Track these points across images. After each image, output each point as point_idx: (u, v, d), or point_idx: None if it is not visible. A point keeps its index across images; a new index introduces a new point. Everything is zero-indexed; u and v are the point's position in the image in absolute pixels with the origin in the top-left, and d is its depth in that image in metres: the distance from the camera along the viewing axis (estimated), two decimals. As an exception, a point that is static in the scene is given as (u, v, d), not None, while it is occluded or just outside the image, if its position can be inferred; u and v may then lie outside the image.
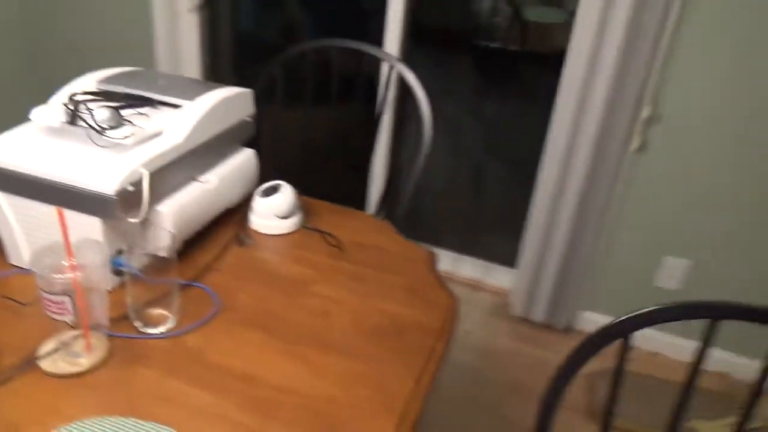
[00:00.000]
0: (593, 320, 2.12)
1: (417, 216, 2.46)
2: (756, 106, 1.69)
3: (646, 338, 2.06)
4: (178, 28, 2.30)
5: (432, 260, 1.16)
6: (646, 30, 1.65)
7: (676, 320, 0.79)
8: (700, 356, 0.82)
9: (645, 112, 1.78)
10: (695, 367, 0.83)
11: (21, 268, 0.99)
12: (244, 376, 0.84)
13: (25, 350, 0.83)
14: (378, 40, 2.12)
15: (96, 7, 2.39)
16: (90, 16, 2.42)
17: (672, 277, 1.98)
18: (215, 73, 2.52)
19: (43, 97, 1.10)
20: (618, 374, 0.85)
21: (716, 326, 0.80)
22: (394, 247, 1.18)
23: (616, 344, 0.84)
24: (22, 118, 1.01)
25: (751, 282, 1.90)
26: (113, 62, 2.46)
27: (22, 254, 0.98)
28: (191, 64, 2.38)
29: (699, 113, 1.75)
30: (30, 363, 0.81)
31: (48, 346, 0.83)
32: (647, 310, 0.78)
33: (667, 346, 2.05)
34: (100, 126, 0.94)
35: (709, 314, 0.79)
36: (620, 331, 0.80)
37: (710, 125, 1.75)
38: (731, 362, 2.00)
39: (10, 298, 0.92)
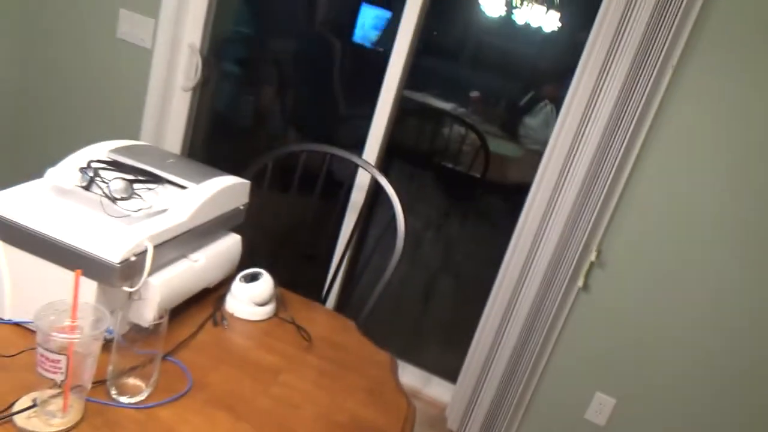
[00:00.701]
0: (523, 445, 2.18)
1: (368, 316, 2.52)
2: (688, 257, 1.90)
3: None
4: (170, 104, 2.39)
5: (393, 365, 1.23)
6: (599, 187, 1.85)
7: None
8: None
9: (591, 256, 1.95)
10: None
11: (1, 318, 1.00)
12: (213, 457, 0.86)
13: (1, 403, 0.84)
14: (345, 143, 2.27)
15: (95, 73, 2.47)
16: (88, 82, 2.49)
17: (599, 412, 2.09)
18: (191, 151, 2.60)
19: (32, 153, 1.15)
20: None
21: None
22: (358, 347, 1.25)
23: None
24: (13, 173, 1.05)
25: (673, 424, 2.03)
26: (101, 124, 2.52)
27: (5, 305, 0.99)
28: (174, 138, 2.46)
29: (637, 262, 1.94)
30: (4, 417, 0.82)
31: (24, 402, 0.84)
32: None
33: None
34: (113, 196, 1.00)
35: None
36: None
37: (647, 274, 1.94)
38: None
39: (-11, 348, 0.93)
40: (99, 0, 2.36)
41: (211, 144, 2.73)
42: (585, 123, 1.82)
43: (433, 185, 2.67)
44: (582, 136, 1.83)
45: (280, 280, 1.33)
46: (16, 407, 0.83)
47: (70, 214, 0.99)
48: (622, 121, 1.78)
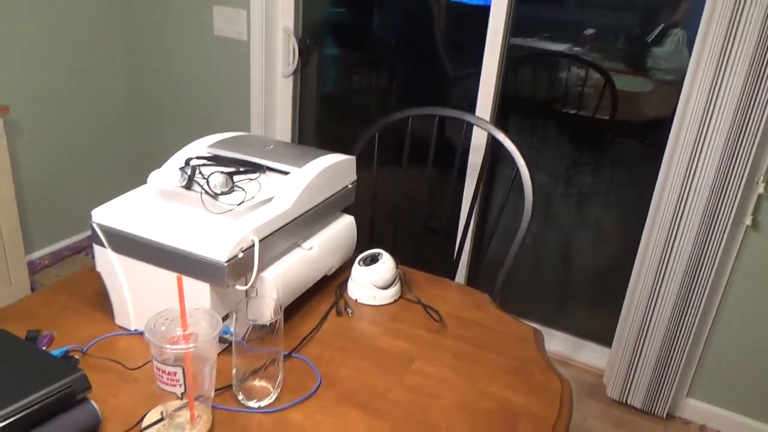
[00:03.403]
0: (699, 408, 1.94)
1: (504, 286, 2.38)
2: None
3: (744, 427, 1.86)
4: (273, 92, 2.38)
5: (539, 339, 1.09)
6: (762, 96, 1.56)
7: None
8: None
9: (758, 188, 1.66)
10: None
11: (127, 330, 0.99)
12: (349, 461, 0.79)
13: (130, 417, 0.81)
14: (457, 107, 2.12)
15: (201, 73, 2.52)
16: (193, 82, 2.55)
17: (789, 365, 1.80)
18: (301, 135, 2.58)
19: (145, 158, 1.13)
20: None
21: None
22: (496, 323, 1.12)
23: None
24: (128, 178, 1.04)
25: None
26: (211, 125, 2.57)
27: (130, 316, 0.98)
28: (283, 126, 2.45)
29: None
30: (135, 432, 0.79)
31: (153, 415, 0.81)
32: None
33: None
34: (213, 191, 0.95)
35: None
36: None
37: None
38: None
39: (117, 362, 0.92)
40: (193, 1, 2.38)
41: (322, 128, 2.70)
42: (731, 37, 1.53)
43: (557, 136, 2.44)
44: (729, 53, 1.54)
45: (402, 259, 1.23)
46: (146, 422, 0.80)
47: (173, 216, 0.95)
48: (782, 22, 1.48)
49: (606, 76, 2.36)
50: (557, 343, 2.24)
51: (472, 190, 2.01)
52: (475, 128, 2.05)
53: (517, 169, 1.45)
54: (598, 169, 2.25)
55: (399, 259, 1.19)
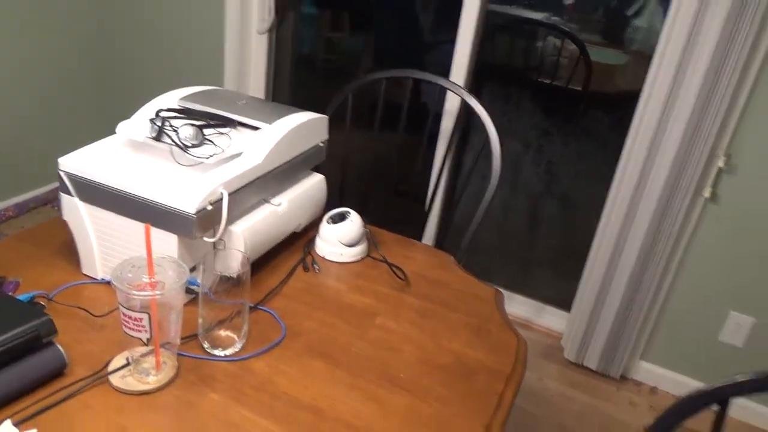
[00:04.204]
0: (651, 371, 2.03)
1: (469, 250, 2.43)
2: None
3: (740, 408, 1.94)
4: (247, 49, 2.34)
5: (498, 299, 1.13)
6: (725, 75, 1.60)
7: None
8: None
9: (719, 162, 1.72)
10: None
11: (94, 279, 1.00)
12: (311, 408, 0.82)
13: (96, 362, 0.83)
14: (435, 72, 2.12)
15: (173, 25, 2.46)
16: (164, 33, 2.50)
17: (737, 333, 1.89)
18: (276, 94, 2.56)
19: (114, 108, 1.13)
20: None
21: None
22: (459, 283, 1.15)
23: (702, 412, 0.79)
24: (95, 129, 1.03)
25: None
26: (182, 77, 2.53)
27: (96, 265, 0.99)
28: (257, 83, 2.42)
29: (777, 165, 1.68)
30: (100, 377, 0.81)
31: (118, 361, 0.82)
32: (753, 377, 0.73)
33: (763, 417, 1.94)
34: (184, 144, 0.95)
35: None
36: (720, 396, 0.75)
37: (788, 178, 1.68)
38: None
39: (83, 309, 0.93)
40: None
41: (297, 88, 2.67)
42: (701, 12, 1.56)
43: (531, 104, 2.47)
44: (700, 26, 1.57)
45: (371, 220, 1.25)
46: (111, 367, 0.82)
47: (142, 167, 0.95)
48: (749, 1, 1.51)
49: (581, 47, 2.38)
50: (519, 306, 2.31)
51: (444, 155, 2.03)
52: (448, 94, 2.06)
53: (487, 135, 1.48)
54: (568, 138, 2.29)
55: (368, 219, 1.21)
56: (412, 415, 0.83)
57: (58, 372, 0.80)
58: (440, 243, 2.30)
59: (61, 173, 0.94)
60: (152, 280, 0.77)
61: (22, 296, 0.91)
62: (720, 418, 0.77)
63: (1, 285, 0.95)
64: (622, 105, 2.08)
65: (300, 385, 0.85)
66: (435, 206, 2.23)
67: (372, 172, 1.68)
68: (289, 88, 2.65)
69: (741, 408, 1.92)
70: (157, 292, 0.76)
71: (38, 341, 0.77)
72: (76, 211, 0.96)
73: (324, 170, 1.25)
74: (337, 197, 1.36)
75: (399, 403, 0.85)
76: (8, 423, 0.69)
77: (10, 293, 0.93)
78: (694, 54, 1.60)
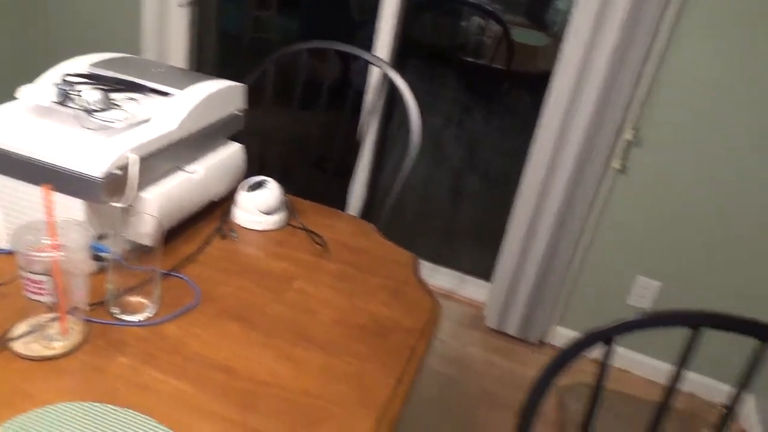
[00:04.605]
0: (566, 336, 2.14)
1: (394, 224, 2.47)
2: (732, 134, 1.74)
3: (617, 356, 2.09)
4: (167, 22, 2.28)
5: (415, 263, 1.17)
6: (632, 54, 1.69)
7: (654, 327, 0.80)
8: (680, 367, 0.84)
9: (627, 135, 1.81)
10: (677, 374, 0.85)
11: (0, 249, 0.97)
12: (224, 368, 0.83)
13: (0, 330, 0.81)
14: (364, 45, 2.13)
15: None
16: (79, 3, 2.39)
17: (643, 297, 2.02)
18: (199, 70, 2.50)
19: (28, 78, 1.08)
20: (601, 377, 0.86)
21: (697, 336, 0.82)
22: (378, 249, 1.18)
23: (586, 362, 0.85)
24: (7, 99, 0.99)
25: (724, 303, 1.95)
26: (99, 50, 2.43)
27: (2, 235, 0.95)
28: (177, 59, 2.36)
29: (679, 139, 1.80)
30: (2, 343, 0.79)
31: (22, 327, 0.80)
32: (625, 320, 0.80)
33: (638, 364, 2.08)
34: (89, 108, 0.93)
35: (686, 322, 0.81)
36: (603, 336, 0.81)
37: (688, 151, 1.80)
38: (697, 383, 2.04)
39: (-16, 278, 0.90)
40: None
41: (223, 66, 2.62)
42: (611, -14, 1.63)
43: (454, 81, 2.52)
44: (605, 10, 1.65)
45: (294, 193, 1.25)
46: (13, 333, 0.80)
47: (47, 131, 0.92)
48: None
49: (505, 28, 2.44)
50: (443, 278, 2.37)
51: (368, 131, 2.05)
52: (373, 69, 2.07)
53: (406, 107, 1.50)
54: (490, 115, 2.35)
55: (290, 193, 1.21)
56: (327, 371, 0.85)
57: (-45, 340, 0.77)
58: (364, 216, 2.33)
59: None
60: (54, 242, 0.75)
61: None
62: (607, 355, 0.83)
63: None
64: (543, 84, 2.16)
65: (213, 347, 0.86)
66: (358, 181, 2.26)
67: (295, 147, 1.68)
68: (214, 66, 2.59)
69: (620, 357, 2.07)
70: (56, 253, 0.75)
71: (-68, 308, 0.74)
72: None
73: (246, 143, 1.25)
74: (257, 171, 1.36)
75: (314, 361, 0.87)
76: None
77: None
78: (603, 31, 1.68)
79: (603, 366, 0.85)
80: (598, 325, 0.81)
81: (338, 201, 1.71)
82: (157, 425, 0.72)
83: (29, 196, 0.90)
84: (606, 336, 0.80)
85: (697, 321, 0.80)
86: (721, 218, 1.84)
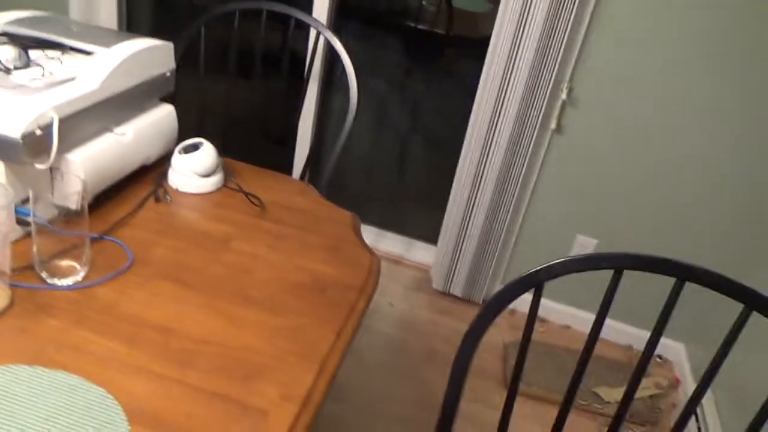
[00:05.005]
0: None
1: (340, 190, 2.47)
2: (662, 92, 1.80)
3: (558, 312, 2.16)
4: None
5: (355, 222, 1.17)
6: (564, 18, 1.72)
7: (582, 270, 0.83)
8: (604, 308, 0.87)
9: (562, 95, 1.85)
10: (599, 321, 0.88)
11: None
12: (160, 328, 0.82)
13: None
14: (305, 11, 2.10)
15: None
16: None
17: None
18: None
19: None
20: (530, 324, 0.89)
21: (619, 277, 0.85)
22: (317, 209, 1.18)
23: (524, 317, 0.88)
24: None
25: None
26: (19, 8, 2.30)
27: None
28: (107, 19, 2.26)
29: (610, 97, 1.85)
30: None
31: (-58, 294, 0.77)
32: (556, 261, 0.82)
33: (578, 320, 2.16)
34: (5, 66, 0.89)
35: (611, 264, 0.84)
36: (533, 282, 0.83)
37: (619, 108, 1.85)
38: (634, 335, 2.14)
39: None
40: None
41: (158, 30, 2.53)
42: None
43: (395, 46, 2.51)
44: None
45: (235, 158, 1.23)
46: (-67, 300, 0.77)
47: (-42, 91, 0.87)
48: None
49: (444, -8, 2.43)
50: (391, 243, 2.39)
51: (309, 96, 2.03)
52: (312, 33, 2.04)
53: (344, 68, 1.49)
54: (431, 79, 2.36)
55: (222, 152, 1.19)
56: (267, 328, 0.85)
57: None
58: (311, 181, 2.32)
59: None
60: (-29, 202, 0.72)
61: None
62: (536, 299, 0.86)
63: None
64: (483, 49, 2.18)
65: (149, 308, 0.85)
66: (300, 149, 2.24)
67: (235, 116, 1.65)
68: (147, 32, 2.50)
69: (557, 312, 2.15)
70: (-22, 215, 0.72)
71: None
72: None
73: (181, 112, 1.21)
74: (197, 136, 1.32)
75: (254, 318, 0.87)
76: None
77: None
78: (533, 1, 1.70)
79: (532, 311, 0.88)
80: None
81: (281, 170, 1.69)
82: (90, 385, 0.70)
83: (-56, 159, 0.86)
84: (535, 281, 0.83)
85: (617, 262, 0.84)
86: (655, 175, 1.91)
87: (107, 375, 0.73)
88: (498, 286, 2.20)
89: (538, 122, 1.87)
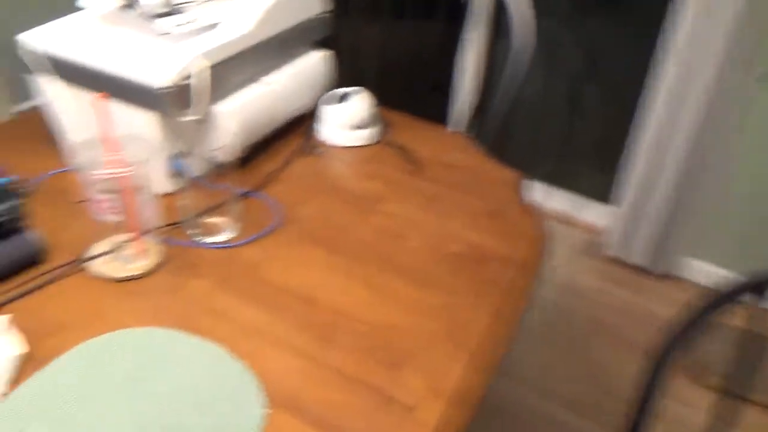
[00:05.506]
0: (700, 269, 1.90)
1: (504, 142, 2.28)
2: None
3: None
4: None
5: (520, 183, 1.02)
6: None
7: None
8: None
9: (787, 29, 1.50)
10: None
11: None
12: (302, 296, 0.75)
13: (76, 250, 0.78)
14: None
15: None
16: None
17: (797, 224, 1.73)
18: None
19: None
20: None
21: None
22: (478, 167, 1.05)
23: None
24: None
25: None
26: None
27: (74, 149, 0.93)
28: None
29: None
30: (79, 264, 0.76)
31: (99, 247, 0.77)
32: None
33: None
34: (152, 13, 0.85)
35: None
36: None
37: None
38: None
39: (64, 196, 0.88)
40: None
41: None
42: None
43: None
44: None
45: (390, 106, 1.13)
46: (91, 253, 0.77)
47: (112, 41, 0.86)
48: None
49: None
50: (557, 201, 2.19)
51: (472, 38, 1.86)
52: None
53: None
54: (611, 17, 2.06)
55: (383, 105, 1.09)
56: (414, 304, 0.76)
57: (34, 259, 0.76)
58: (474, 133, 2.17)
59: (25, 52, 0.86)
60: (115, 157, 0.69)
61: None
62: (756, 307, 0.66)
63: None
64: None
65: (292, 274, 0.79)
66: (461, 96, 2.08)
67: (390, 60, 1.55)
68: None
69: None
70: (121, 169, 0.69)
71: (7, 228, 0.72)
72: (48, 91, 0.89)
73: (333, 55, 1.13)
74: (346, 85, 1.24)
75: (400, 291, 0.78)
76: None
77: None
78: None
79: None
80: (741, 261, 0.64)
81: (438, 120, 1.56)
82: (230, 358, 0.66)
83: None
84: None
85: None
86: None
87: (247, 346, 0.68)
88: (685, 258, 1.92)
89: (748, 67, 1.53)
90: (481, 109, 2.04)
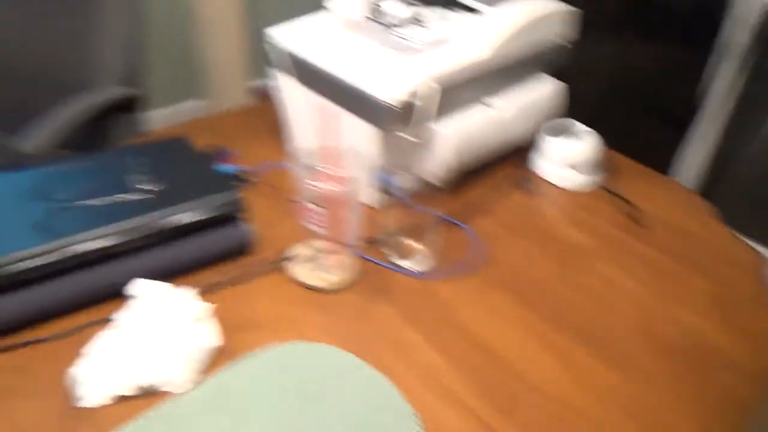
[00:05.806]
0: None
1: (742, 206, 1.99)
2: None
3: None
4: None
5: (761, 268, 0.87)
6: None
7: None
8: None
9: None
10: None
11: (298, 161, 0.98)
12: (488, 351, 0.70)
13: (279, 248, 0.80)
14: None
15: None
16: None
17: None
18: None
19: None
20: None
21: None
22: (710, 238, 0.90)
23: None
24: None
25: None
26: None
27: (299, 147, 0.96)
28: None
29: None
30: (281, 263, 0.78)
31: (300, 250, 0.79)
32: None
33: None
34: (393, 24, 0.84)
35: None
36: None
37: None
38: None
39: (283, 192, 0.90)
40: None
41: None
42: None
43: None
44: None
45: (607, 141, 1.03)
46: (292, 253, 0.78)
47: (350, 49, 0.86)
48: None
49: None
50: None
51: (723, 73, 1.64)
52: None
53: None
54: None
55: (603, 141, 0.99)
56: (609, 391, 0.67)
57: (240, 251, 0.79)
58: (700, 190, 1.92)
59: (270, 46, 0.90)
60: (330, 171, 0.69)
61: (227, 168, 0.92)
62: None
63: (217, 155, 0.96)
64: None
65: (482, 324, 0.73)
66: (697, 140, 1.84)
67: (617, 84, 1.40)
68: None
69: None
70: (335, 185, 0.69)
71: (226, 217, 0.76)
72: (284, 88, 0.93)
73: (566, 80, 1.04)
74: (568, 109, 1.12)
75: (596, 371, 0.69)
76: (190, 290, 0.69)
77: (219, 163, 0.95)
78: None
79: None
80: None
81: (665, 155, 1.39)
82: (401, 398, 0.63)
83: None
84: None
85: None
86: None
87: (421, 393, 0.65)
88: None
89: None
90: (723, 165, 1.79)
